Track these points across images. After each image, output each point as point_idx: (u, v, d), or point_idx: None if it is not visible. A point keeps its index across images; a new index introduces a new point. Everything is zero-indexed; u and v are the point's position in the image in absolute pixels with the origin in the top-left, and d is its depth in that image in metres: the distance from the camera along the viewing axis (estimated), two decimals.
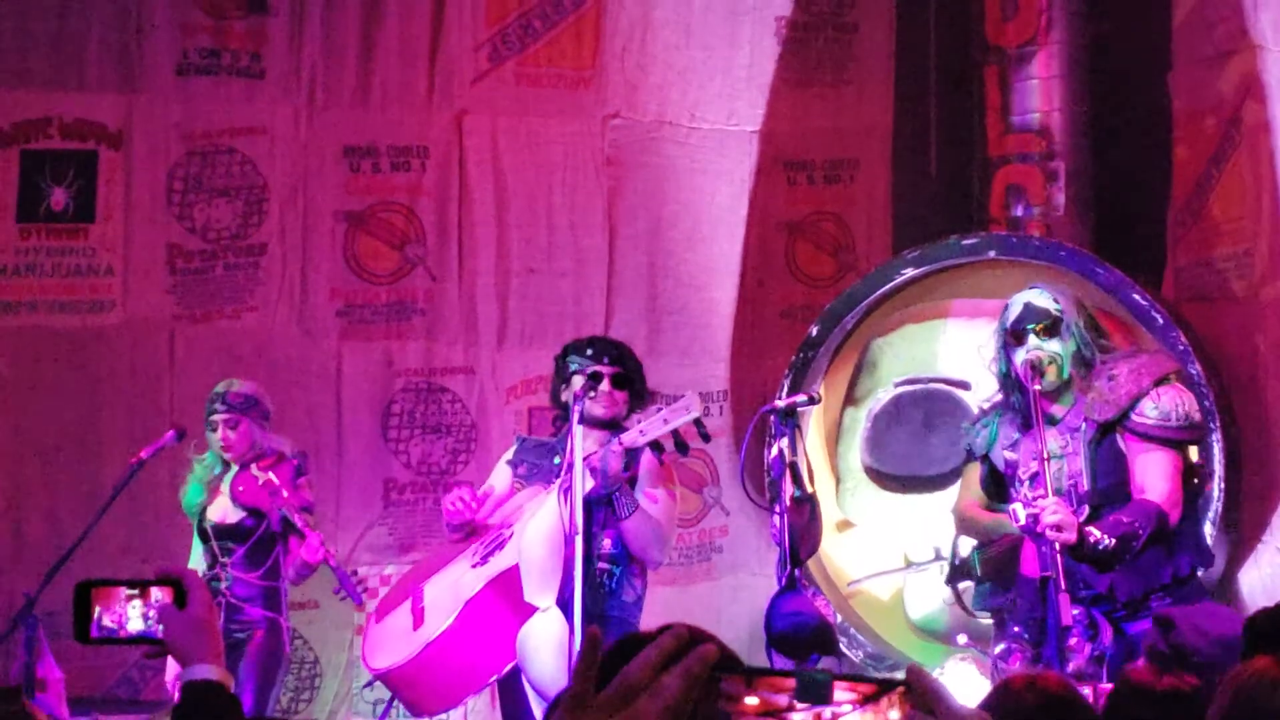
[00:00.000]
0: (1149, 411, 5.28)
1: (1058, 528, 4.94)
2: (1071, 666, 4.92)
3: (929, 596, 6.59)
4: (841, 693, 1.32)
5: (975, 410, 6.09)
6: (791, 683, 1.33)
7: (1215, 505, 5.96)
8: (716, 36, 7.56)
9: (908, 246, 7.04)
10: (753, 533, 7.35)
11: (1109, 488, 5.26)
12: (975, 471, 5.61)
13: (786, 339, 7.30)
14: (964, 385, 6.63)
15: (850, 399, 7.01)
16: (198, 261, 7.23)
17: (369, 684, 6.05)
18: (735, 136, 7.58)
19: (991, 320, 5.60)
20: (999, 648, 5.40)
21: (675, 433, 5.41)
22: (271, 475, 6.08)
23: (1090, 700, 3.49)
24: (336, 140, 7.34)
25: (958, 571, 5.95)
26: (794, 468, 5.28)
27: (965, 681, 5.63)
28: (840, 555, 6.95)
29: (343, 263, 7.35)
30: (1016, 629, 5.30)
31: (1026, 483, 5.28)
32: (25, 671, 5.94)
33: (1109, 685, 4.33)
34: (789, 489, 5.24)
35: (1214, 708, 2.61)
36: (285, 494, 6.04)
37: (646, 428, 5.41)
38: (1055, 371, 5.29)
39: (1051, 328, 5.31)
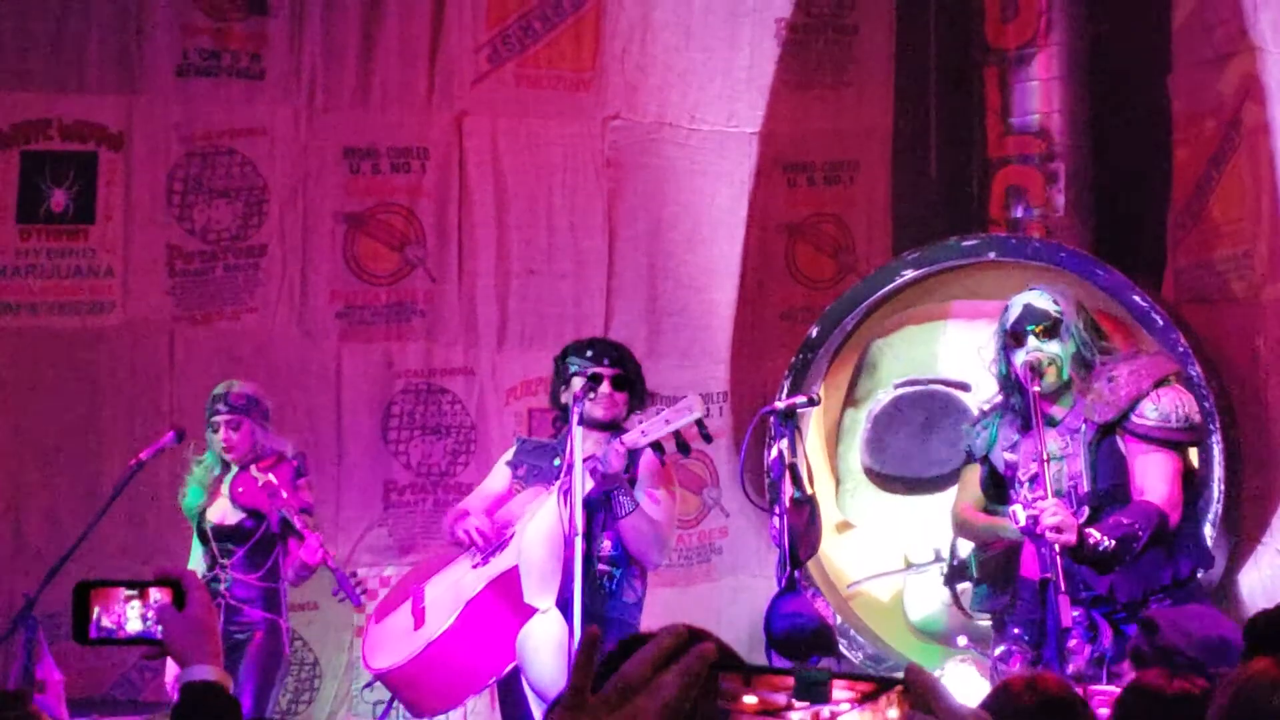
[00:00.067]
0: (1149, 413, 5.28)
1: (1057, 529, 4.94)
2: (1071, 668, 4.92)
3: (929, 598, 6.59)
4: (840, 691, 1.32)
5: (975, 412, 6.09)
6: (790, 681, 1.32)
7: (1215, 507, 5.95)
8: (716, 38, 7.56)
9: (908, 248, 7.04)
10: (752, 534, 7.35)
11: (1109, 489, 5.26)
12: (973, 473, 5.61)
13: (786, 340, 7.30)
14: (964, 387, 6.63)
15: (850, 400, 7.00)
16: (197, 263, 7.23)
17: (369, 685, 6.05)
18: (735, 138, 7.58)
19: (991, 322, 5.60)
20: (999, 649, 5.40)
21: (677, 433, 5.42)
22: (271, 477, 6.08)
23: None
24: (336, 141, 7.34)
25: (956, 572, 5.96)
26: (794, 469, 5.28)
27: (965, 683, 5.62)
28: (840, 557, 6.95)
29: (342, 264, 7.35)
30: (1016, 630, 5.30)
31: (1026, 484, 5.28)
32: (24, 673, 5.93)
33: (1103, 688, 4.34)
34: (788, 490, 5.24)
35: (1213, 709, 2.61)
36: (285, 495, 6.04)
37: (648, 428, 5.41)
38: (1055, 373, 5.29)
39: (1051, 329, 5.31)
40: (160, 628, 2.40)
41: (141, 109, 7.17)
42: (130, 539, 6.86)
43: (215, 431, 6.19)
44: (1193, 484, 5.64)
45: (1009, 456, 5.41)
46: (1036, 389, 5.19)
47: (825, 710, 1.32)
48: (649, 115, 7.52)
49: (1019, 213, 7.09)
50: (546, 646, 5.31)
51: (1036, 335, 5.30)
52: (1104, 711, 3.57)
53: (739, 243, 7.55)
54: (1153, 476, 5.23)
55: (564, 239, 7.47)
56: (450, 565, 5.67)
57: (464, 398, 7.39)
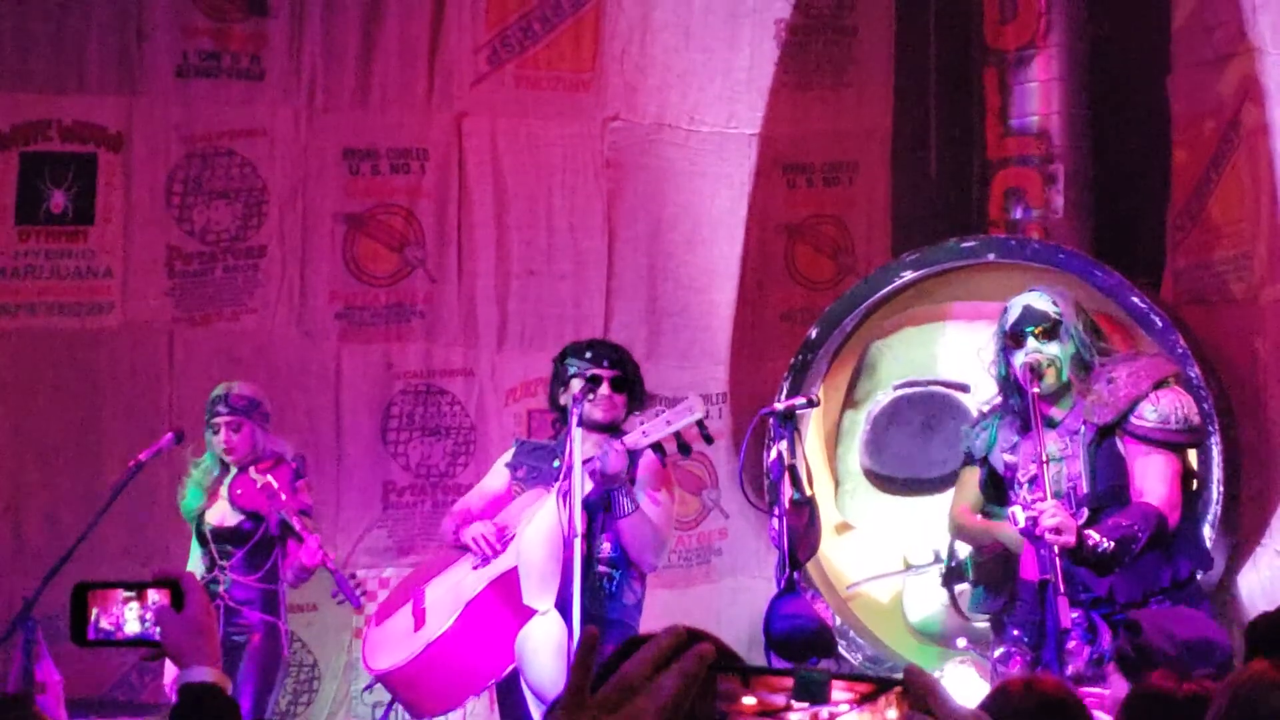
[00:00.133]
0: (1148, 414, 5.28)
1: (1057, 530, 4.94)
2: (1070, 669, 4.92)
3: (928, 599, 6.59)
4: (839, 692, 1.32)
5: (974, 413, 6.10)
6: (789, 682, 1.32)
7: (1214, 508, 5.95)
8: (716, 39, 7.56)
9: (907, 249, 7.03)
10: (752, 535, 7.35)
11: (1108, 491, 5.26)
12: (971, 476, 5.61)
13: (786, 341, 7.29)
14: (963, 388, 6.63)
15: (849, 401, 7.00)
16: (197, 264, 7.23)
17: (368, 687, 6.05)
18: (735, 139, 7.58)
19: (991, 323, 5.60)
20: (998, 651, 5.40)
21: (677, 434, 5.42)
22: (270, 478, 6.08)
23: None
24: (336, 142, 7.34)
25: (954, 574, 5.97)
26: (793, 470, 5.28)
27: (964, 685, 5.62)
28: (839, 558, 6.95)
29: (342, 265, 7.35)
30: (1016, 632, 5.30)
31: (1025, 486, 5.28)
32: (24, 674, 5.93)
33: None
34: (788, 491, 5.24)
35: (1212, 710, 2.61)
36: (284, 497, 6.04)
37: (649, 429, 5.42)
38: (1054, 374, 5.30)
39: (1050, 330, 5.31)
40: (159, 629, 2.39)
41: (141, 110, 7.17)
42: (129, 540, 6.86)
43: (215, 433, 6.19)
44: (1192, 485, 5.65)
45: (1008, 458, 5.41)
46: (1036, 390, 5.19)
47: (824, 711, 1.32)
48: (648, 116, 7.52)
49: (1018, 214, 7.09)
50: (546, 648, 5.31)
51: (1036, 337, 5.30)
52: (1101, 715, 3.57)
53: (739, 244, 7.55)
54: (1152, 478, 5.24)
55: (563, 240, 7.47)
56: (451, 567, 5.68)
57: (463, 399, 7.39)
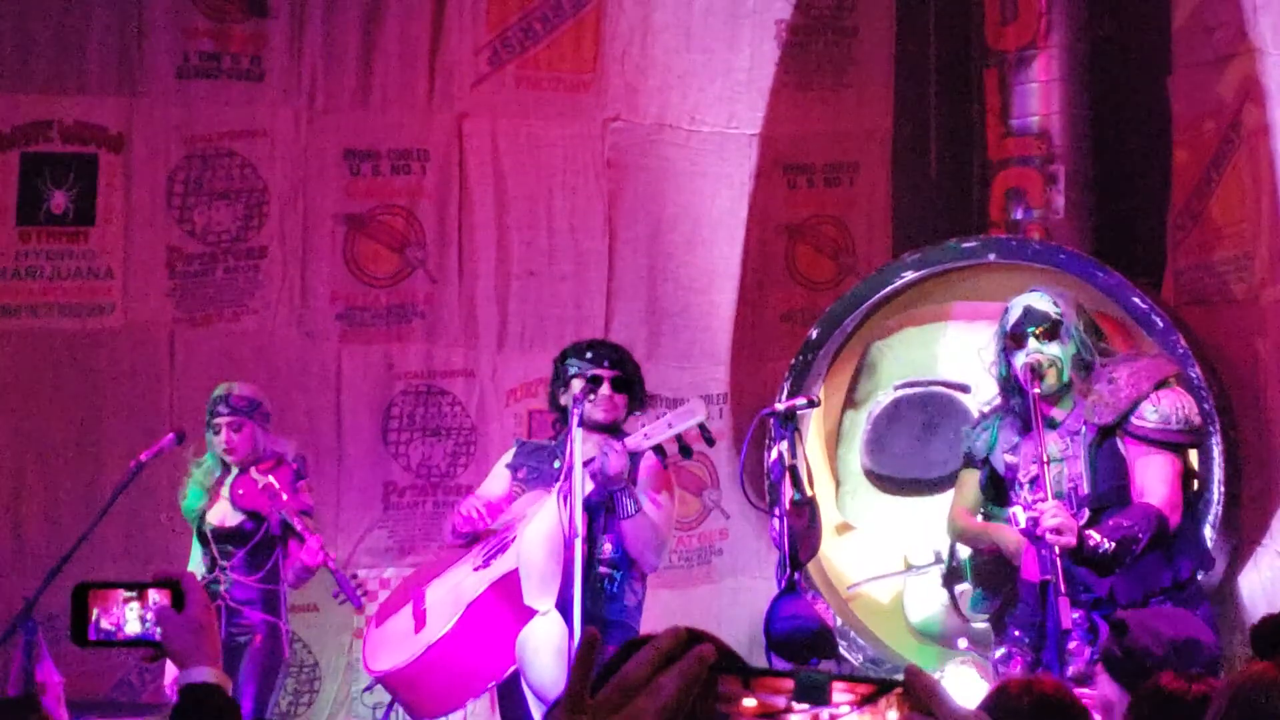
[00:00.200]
0: (1149, 415, 5.28)
1: (1057, 531, 4.94)
2: (1071, 670, 4.92)
3: (929, 600, 6.59)
4: (839, 693, 1.32)
5: (975, 414, 6.10)
6: (789, 683, 1.32)
7: (1215, 509, 5.95)
8: (716, 40, 7.56)
9: (908, 249, 7.03)
10: (752, 536, 7.35)
11: (1109, 491, 5.27)
12: (969, 478, 5.62)
13: (786, 342, 7.30)
14: (964, 388, 6.63)
15: (850, 402, 7.00)
16: (197, 264, 7.23)
17: (369, 688, 6.05)
18: (735, 139, 7.58)
19: (991, 323, 5.60)
20: (999, 652, 5.40)
21: (679, 436, 5.42)
22: (271, 478, 6.08)
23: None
24: (337, 143, 7.34)
25: (954, 574, 5.96)
26: (794, 471, 5.28)
27: (965, 685, 5.62)
28: (840, 558, 6.95)
29: (343, 265, 7.35)
30: (1017, 633, 5.30)
31: (1026, 486, 5.28)
32: (24, 675, 5.93)
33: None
34: (788, 492, 5.24)
35: (1212, 711, 2.61)
36: (285, 497, 6.04)
37: (651, 431, 5.42)
38: (1055, 375, 5.30)
39: (1051, 331, 5.31)
40: (159, 629, 2.39)
41: (142, 111, 7.17)
42: (130, 541, 6.86)
43: (216, 433, 6.19)
44: (1192, 486, 5.64)
45: (1009, 458, 5.41)
46: (1036, 391, 5.19)
47: (825, 712, 1.32)
48: (649, 117, 7.52)
49: (1019, 214, 7.09)
50: (546, 649, 5.30)
51: (1036, 337, 5.30)
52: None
53: (739, 244, 7.55)
54: (1153, 478, 5.24)
55: (564, 240, 7.47)
56: (451, 568, 5.67)
57: (464, 399, 7.39)
